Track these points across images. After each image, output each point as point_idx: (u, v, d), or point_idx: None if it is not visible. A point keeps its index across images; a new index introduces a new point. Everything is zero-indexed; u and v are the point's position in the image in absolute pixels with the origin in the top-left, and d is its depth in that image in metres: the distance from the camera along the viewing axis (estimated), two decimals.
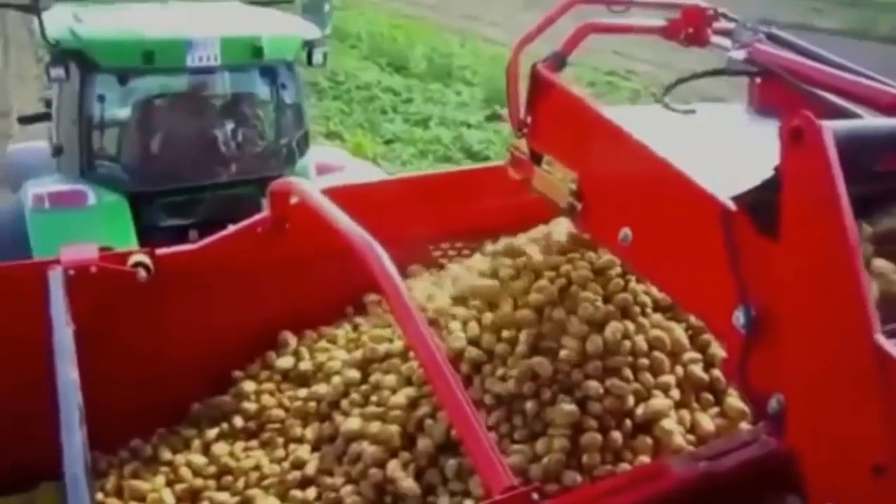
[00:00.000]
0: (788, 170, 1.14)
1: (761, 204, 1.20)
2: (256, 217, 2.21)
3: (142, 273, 2.08)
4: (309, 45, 3.81)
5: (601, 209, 1.54)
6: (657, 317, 1.93)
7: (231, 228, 2.20)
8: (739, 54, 1.80)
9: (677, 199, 1.36)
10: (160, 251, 2.14)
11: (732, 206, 1.26)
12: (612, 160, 1.50)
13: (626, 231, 1.46)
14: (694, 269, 1.33)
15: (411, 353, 1.90)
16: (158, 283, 2.12)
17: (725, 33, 1.94)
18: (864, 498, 1.09)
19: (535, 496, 1.27)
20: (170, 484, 2.03)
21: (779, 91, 1.78)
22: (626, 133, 1.46)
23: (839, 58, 1.72)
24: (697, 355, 1.90)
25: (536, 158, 1.70)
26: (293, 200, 2.16)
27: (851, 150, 1.16)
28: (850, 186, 1.11)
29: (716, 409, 1.86)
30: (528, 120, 1.70)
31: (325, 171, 3.91)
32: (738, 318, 1.22)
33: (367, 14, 14.46)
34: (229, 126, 3.72)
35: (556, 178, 1.63)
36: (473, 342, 1.91)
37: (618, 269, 1.91)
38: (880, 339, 1.07)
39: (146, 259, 2.10)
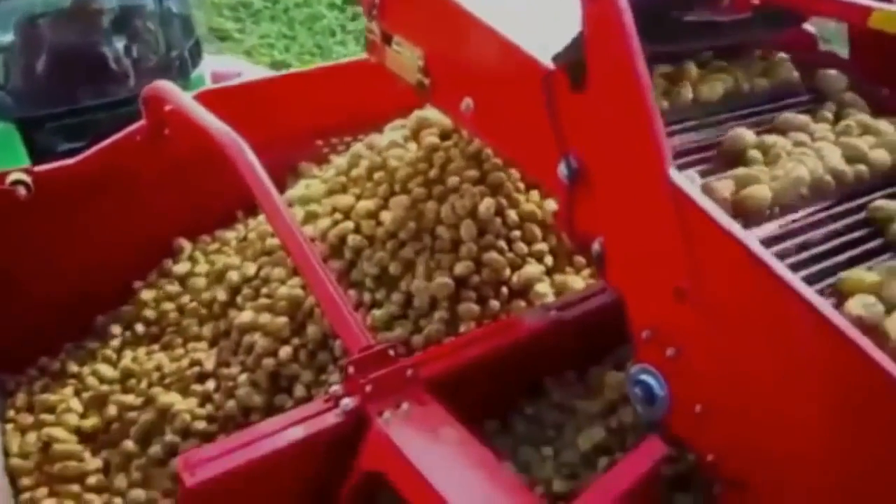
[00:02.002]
0: (587, 25, 1.20)
1: (573, 61, 1.26)
2: (133, 126, 2.20)
3: (21, 191, 2.08)
4: None
5: (445, 82, 1.59)
6: (532, 193, 2.02)
7: (109, 139, 2.19)
8: None
9: (506, 65, 1.41)
10: (38, 168, 2.15)
11: (552, 66, 1.32)
12: (451, 34, 1.54)
13: (467, 101, 1.51)
14: (524, 129, 1.39)
15: None
16: (43, 201, 2.13)
17: None
18: (672, 319, 1.20)
19: (392, 352, 1.37)
20: (77, 393, 2.10)
21: None
22: (461, 6, 1.50)
23: None
24: None
25: (387, 39, 1.73)
26: (168, 107, 2.16)
27: (659, 3, 1.22)
28: (658, 41, 1.18)
29: (588, 271, 1.97)
30: (377, 1, 1.72)
31: (221, 79, 3.85)
32: (562, 170, 1.30)
33: None
34: (117, 41, 3.63)
35: (405, 57, 1.67)
36: (355, 229, 1.98)
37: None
38: (673, 174, 1.16)
39: (24, 177, 2.10)
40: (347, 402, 1.32)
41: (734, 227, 1.10)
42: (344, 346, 1.42)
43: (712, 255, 1.12)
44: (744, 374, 1.14)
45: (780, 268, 1.05)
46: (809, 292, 1.04)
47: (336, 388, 1.36)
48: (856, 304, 1.12)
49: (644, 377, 1.26)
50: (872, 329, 1.08)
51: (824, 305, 1.04)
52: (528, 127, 1.37)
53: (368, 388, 1.32)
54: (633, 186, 1.20)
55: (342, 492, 1.35)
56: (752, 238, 1.09)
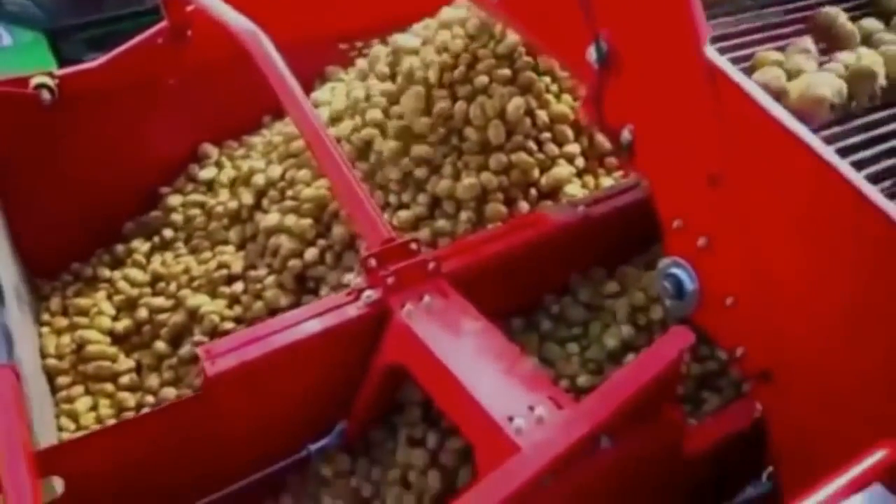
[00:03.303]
0: None
1: None
2: (155, 27, 2.16)
3: (45, 94, 2.06)
4: None
5: None
6: (565, 96, 1.95)
7: (131, 41, 2.16)
8: None
9: None
10: (61, 71, 2.12)
11: None
12: None
13: None
14: (553, 12, 1.32)
15: None
16: (67, 105, 2.11)
17: None
18: (704, 207, 1.15)
19: (414, 246, 1.34)
20: (109, 297, 2.12)
21: None
22: None
23: None
24: None
25: None
26: (189, 8, 2.11)
27: None
28: None
29: (620, 173, 1.91)
30: None
31: None
32: (592, 54, 1.24)
33: None
34: None
35: None
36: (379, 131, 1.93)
37: (522, 52, 1.89)
38: (709, 51, 1.09)
39: (48, 80, 2.07)
40: (369, 295, 1.30)
41: (775, 106, 1.03)
42: (366, 240, 1.39)
43: (751, 137, 1.06)
44: (777, 263, 1.09)
45: (824, 149, 0.99)
46: (855, 175, 0.98)
47: (357, 282, 1.34)
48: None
49: (674, 270, 1.22)
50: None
51: (870, 189, 0.98)
52: (557, 9, 1.30)
53: (390, 281, 1.29)
54: (667, 67, 1.14)
55: (363, 385, 1.35)
56: (792, 119, 1.03)
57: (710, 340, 1.36)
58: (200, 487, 1.30)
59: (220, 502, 1.31)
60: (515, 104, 1.83)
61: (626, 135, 1.23)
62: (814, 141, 1.01)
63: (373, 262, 1.32)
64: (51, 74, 2.08)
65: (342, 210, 1.77)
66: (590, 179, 1.89)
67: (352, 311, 1.30)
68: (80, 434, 1.67)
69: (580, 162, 1.89)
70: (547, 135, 1.88)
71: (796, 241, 1.06)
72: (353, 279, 1.71)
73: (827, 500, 0.87)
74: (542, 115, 1.88)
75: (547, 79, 1.91)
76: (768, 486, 1.22)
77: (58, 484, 1.23)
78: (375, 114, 1.94)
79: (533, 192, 1.83)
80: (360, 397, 1.35)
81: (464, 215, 1.80)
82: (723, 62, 1.08)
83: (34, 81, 2.06)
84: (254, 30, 1.67)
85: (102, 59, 2.16)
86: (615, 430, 1.06)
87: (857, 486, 0.89)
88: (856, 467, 0.90)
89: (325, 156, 1.44)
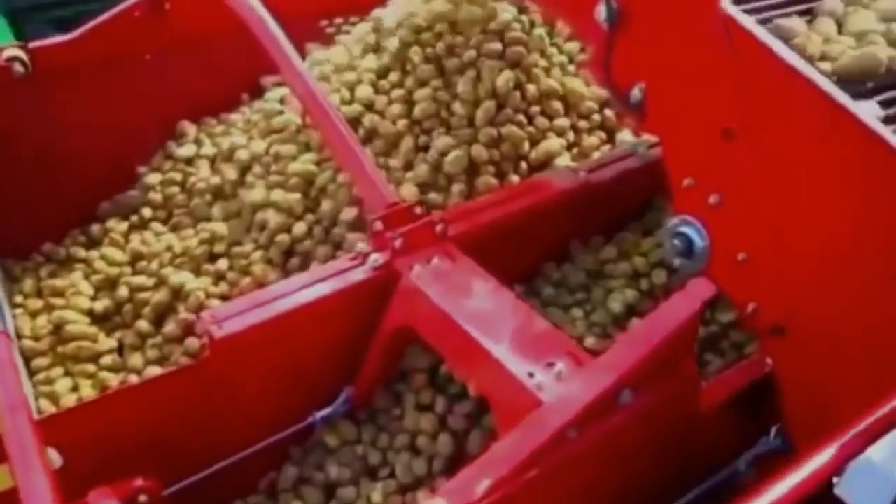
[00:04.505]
0: None
1: None
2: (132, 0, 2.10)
3: (18, 68, 1.99)
4: None
5: None
6: (554, 71, 1.94)
7: (106, 14, 2.09)
8: None
9: None
10: (34, 44, 2.05)
11: None
12: None
13: None
14: None
15: (308, 119, 1.89)
16: (40, 79, 2.05)
17: None
18: (717, 163, 1.15)
19: (418, 210, 1.32)
20: (86, 277, 2.05)
21: None
22: None
23: None
24: (593, 104, 1.93)
25: None
26: None
27: None
28: None
29: (609, 146, 1.92)
30: None
31: None
32: (601, 12, 1.23)
33: None
34: None
35: None
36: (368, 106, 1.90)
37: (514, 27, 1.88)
38: (726, 4, 1.09)
39: (20, 53, 2.01)
40: (376, 258, 1.28)
41: (794, 58, 1.04)
42: (369, 204, 1.37)
43: (769, 89, 1.06)
44: (793, 216, 1.10)
45: (844, 98, 1.00)
46: (877, 123, 0.99)
47: (362, 246, 1.32)
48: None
49: (684, 228, 1.23)
50: None
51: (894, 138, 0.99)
52: None
53: (398, 243, 1.27)
54: (681, 23, 1.14)
55: (369, 350, 1.33)
56: (813, 71, 1.03)
57: (711, 304, 1.37)
58: (203, 456, 1.26)
59: (223, 472, 1.28)
60: (505, 77, 1.82)
61: (636, 93, 1.23)
62: (834, 91, 1.01)
63: (379, 224, 1.30)
64: (24, 47, 2.01)
65: (343, 174, 1.72)
66: (580, 153, 1.89)
67: (358, 274, 1.28)
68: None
69: (571, 136, 1.89)
70: (536, 108, 1.88)
71: (814, 192, 1.07)
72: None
73: (849, 444, 0.87)
74: (532, 90, 1.87)
75: (536, 55, 1.90)
76: (778, 442, 1.23)
77: (55, 457, 1.18)
78: (366, 91, 1.91)
79: (523, 165, 1.82)
80: (367, 362, 1.33)
81: (455, 188, 1.78)
82: (739, 14, 1.09)
83: (6, 54, 1.99)
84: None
85: (77, 31, 2.09)
86: (636, 384, 1.06)
87: (880, 429, 0.89)
88: (879, 411, 0.91)
89: (325, 119, 1.41)
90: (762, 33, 1.07)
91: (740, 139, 1.12)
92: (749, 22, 1.08)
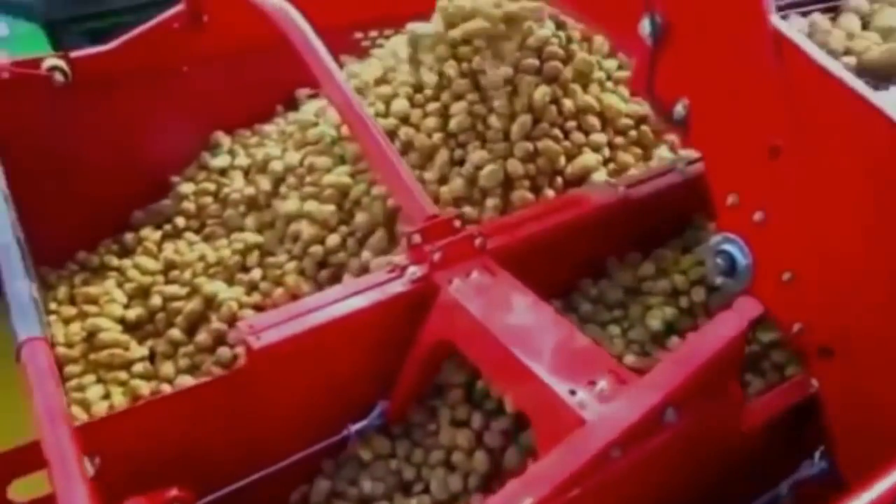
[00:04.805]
0: None
1: None
2: (171, 11, 2.12)
3: (58, 77, 2.02)
4: None
5: None
6: (592, 87, 1.93)
7: (145, 25, 2.12)
8: None
9: None
10: (75, 53, 2.07)
11: None
12: None
13: None
14: None
15: (343, 131, 1.89)
16: (79, 88, 2.07)
17: None
18: (763, 180, 1.13)
19: (457, 223, 1.31)
20: (120, 285, 2.06)
21: None
22: None
23: None
24: (629, 121, 1.92)
25: None
26: None
27: None
28: None
29: (645, 163, 1.90)
30: None
31: None
32: (644, 27, 1.22)
33: None
34: None
35: None
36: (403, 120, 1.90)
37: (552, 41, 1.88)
38: (775, 20, 1.08)
39: (61, 63, 2.03)
40: (414, 271, 1.27)
41: (844, 74, 1.02)
42: (408, 216, 1.36)
43: (820, 105, 1.04)
44: (841, 235, 1.08)
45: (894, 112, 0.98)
46: None
47: (400, 258, 1.31)
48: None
49: (726, 246, 1.20)
50: None
51: None
52: None
53: (437, 257, 1.27)
54: (729, 37, 1.12)
55: (406, 363, 1.32)
56: (863, 86, 1.02)
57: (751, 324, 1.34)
58: (236, 468, 1.26)
59: (256, 484, 1.27)
60: (542, 92, 1.82)
61: (679, 109, 1.22)
62: (888, 107, 1.00)
63: (417, 238, 1.29)
64: (64, 57, 2.04)
65: (377, 186, 1.71)
66: (615, 168, 1.88)
67: (396, 287, 1.27)
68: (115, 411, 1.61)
69: (606, 152, 1.88)
70: (573, 123, 1.87)
71: (863, 211, 1.05)
72: (371, 258, 1.68)
73: None
74: (568, 104, 1.87)
75: (570, 71, 1.89)
76: (822, 466, 1.20)
77: (89, 466, 1.18)
78: (401, 104, 1.91)
79: (559, 180, 1.81)
80: (403, 376, 1.31)
81: (490, 202, 1.77)
82: (790, 30, 1.07)
83: (47, 63, 2.02)
84: (283, 4, 1.63)
85: (116, 42, 2.11)
86: (680, 404, 1.04)
87: None
88: None
89: (363, 130, 1.41)
90: (813, 49, 1.05)
91: (788, 156, 1.10)
92: (800, 37, 1.06)
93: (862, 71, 1.07)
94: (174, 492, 1.12)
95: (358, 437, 1.34)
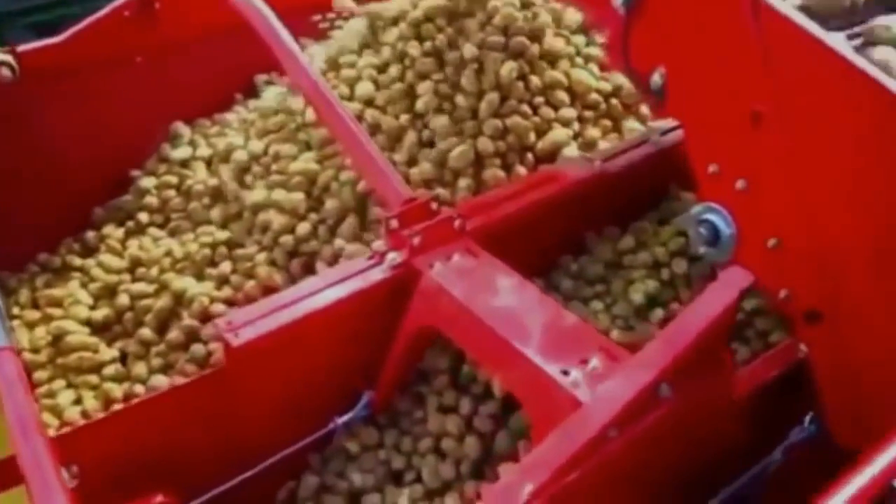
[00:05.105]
0: None
1: None
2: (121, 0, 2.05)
3: (6, 72, 1.94)
4: None
5: None
6: (563, 62, 1.90)
7: (95, 15, 2.04)
8: None
9: None
10: (22, 48, 1.99)
11: None
12: None
13: None
14: None
15: (308, 116, 1.84)
16: (28, 84, 1.99)
17: None
18: (745, 148, 1.12)
19: (434, 205, 1.28)
20: (84, 286, 2.00)
21: None
22: None
23: None
24: (598, 97, 1.90)
25: None
26: None
27: None
28: None
29: (615, 135, 1.88)
30: None
31: None
32: None
33: None
34: None
35: None
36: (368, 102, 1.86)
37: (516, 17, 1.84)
38: None
39: (8, 58, 1.95)
40: (394, 257, 1.24)
41: (826, 36, 1.01)
42: (383, 202, 1.32)
43: (801, 69, 1.03)
44: (827, 198, 1.07)
45: (881, 76, 0.97)
46: None
47: (378, 244, 1.27)
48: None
49: (708, 216, 1.19)
50: None
51: None
52: None
53: (416, 241, 1.23)
54: (705, 4, 1.10)
55: (390, 351, 1.29)
56: (845, 46, 1.00)
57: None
58: (221, 468, 1.22)
59: (242, 484, 1.24)
60: (508, 67, 1.78)
61: (656, 79, 1.20)
62: (870, 69, 0.98)
63: (394, 222, 1.26)
64: (11, 51, 1.96)
65: (346, 171, 1.67)
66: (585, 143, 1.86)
67: (376, 274, 1.24)
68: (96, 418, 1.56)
69: (576, 126, 1.86)
70: (541, 99, 1.84)
71: (849, 173, 1.04)
72: (344, 245, 1.64)
73: None
74: (536, 80, 1.84)
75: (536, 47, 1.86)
76: (812, 430, 1.20)
77: (67, 476, 1.14)
78: (366, 87, 1.86)
79: (529, 156, 1.79)
80: (388, 365, 1.28)
81: (462, 182, 1.74)
82: None
83: None
84: None
85: (65, 34, 2.03)
86: (675, 379, 1.02)
87: None
88: None
89: (332, 114, 1.37)
90: (791, 11, 1.03)
91: (769, 121, 1.08)
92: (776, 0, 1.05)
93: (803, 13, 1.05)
94: (159, 497, 1.08)
95: (344, 430, 1.31)
